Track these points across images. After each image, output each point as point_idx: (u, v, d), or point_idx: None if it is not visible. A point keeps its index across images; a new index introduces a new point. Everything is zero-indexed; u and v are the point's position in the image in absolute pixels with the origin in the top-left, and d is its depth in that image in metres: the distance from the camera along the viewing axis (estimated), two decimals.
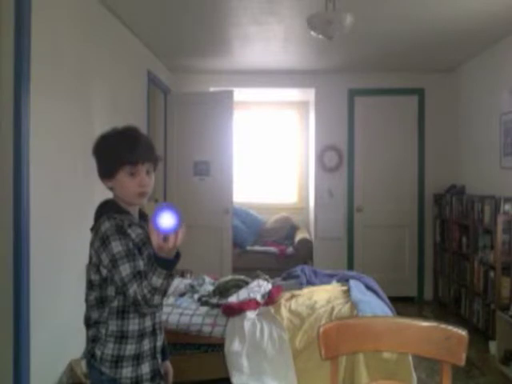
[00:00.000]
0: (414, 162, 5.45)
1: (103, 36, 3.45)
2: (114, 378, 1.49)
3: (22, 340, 2.38)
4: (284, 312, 3.04)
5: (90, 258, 1.51)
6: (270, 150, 6.75)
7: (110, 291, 1.48)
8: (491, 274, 3.92)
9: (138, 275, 1.40)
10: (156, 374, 1.58)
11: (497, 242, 3.68)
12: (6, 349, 2.36)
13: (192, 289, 3.51)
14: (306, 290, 3.41)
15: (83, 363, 2.92)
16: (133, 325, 1.50)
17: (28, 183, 2.40)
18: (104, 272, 1.47)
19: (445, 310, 5.02)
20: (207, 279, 3.74)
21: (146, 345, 1.54)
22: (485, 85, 4.60)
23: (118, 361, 1.49)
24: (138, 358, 1.51)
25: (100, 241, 1.45)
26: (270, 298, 3.24)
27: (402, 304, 4.67)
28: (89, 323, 1.54)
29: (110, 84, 3.59)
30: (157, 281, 1.34)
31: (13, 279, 2.35)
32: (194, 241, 4.85)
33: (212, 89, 5.52)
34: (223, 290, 3.37)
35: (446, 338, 1.37)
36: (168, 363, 1.73)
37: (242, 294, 3.22)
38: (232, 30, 4.04)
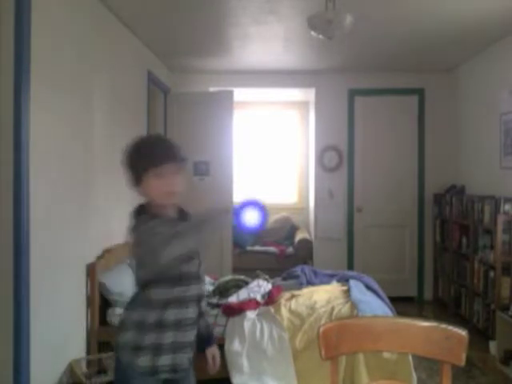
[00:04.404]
0: (414, 162, 5.45)
1: (103, 36, 3.45)
2: (132, 364, 1.55)
3: (22, 340, 2.38)
4: (284, 312, 3.04)
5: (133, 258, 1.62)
6: (270, 150, 6.75)
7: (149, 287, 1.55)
8: (491, 273, 3.92)
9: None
10: (177, 368, 1.62)
11: (497, 242, 3.68)
12: (7, 349, 2.36)
13: None
14: (306, 290, 3.41)
15: (83, 363, 2.93)
16: (153, 315, 1.55)
17: (28, 183, 2.40)
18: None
19: (445, 310, 5.02)
20: (207, 279, 3.74)
21: (168, 338, 1.57)
22: (484, 85, 4.59)
23: (136, 348, 1.55)
24: (157, 349, 1.55)
25: (136, 244, 1.53)
26: (270, 298, 3.24)
27: (401, 304, 4.66)
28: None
29: (110, 84, 3.59)
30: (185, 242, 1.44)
31: (13, 279, 2.35)
32: None
33: (212, 89, 5.51)
34: (223, 290, 3.37)
35: (446, 338, 1.37)
36: (213, 349, 1.84)
37: (242, 294, 3.22)
38: (232, 30, 4.03)
